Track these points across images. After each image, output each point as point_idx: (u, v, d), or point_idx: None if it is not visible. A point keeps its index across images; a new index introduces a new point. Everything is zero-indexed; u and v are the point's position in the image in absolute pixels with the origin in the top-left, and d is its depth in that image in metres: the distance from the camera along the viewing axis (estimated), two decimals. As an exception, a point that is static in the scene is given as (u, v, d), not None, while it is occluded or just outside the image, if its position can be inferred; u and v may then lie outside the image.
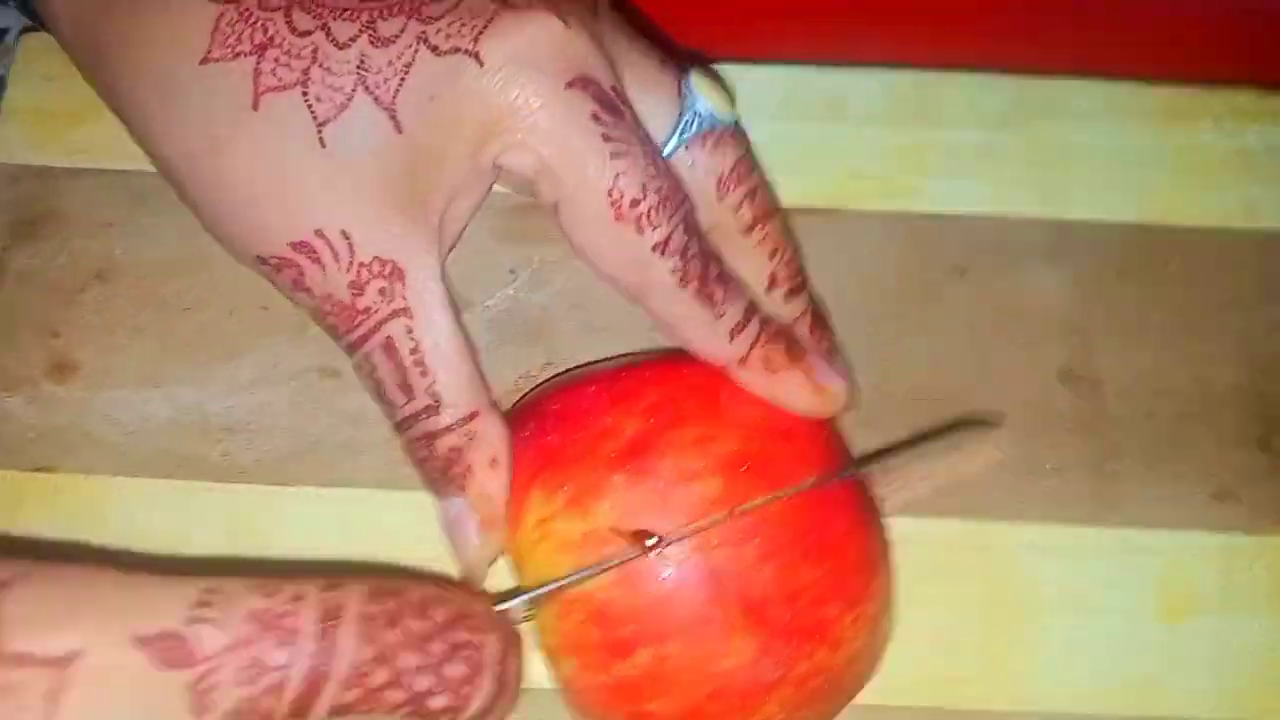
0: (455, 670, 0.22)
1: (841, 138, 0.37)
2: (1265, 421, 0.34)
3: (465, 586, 0.27)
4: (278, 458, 0.33)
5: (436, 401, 0.28)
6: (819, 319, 0.31)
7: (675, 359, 0.30)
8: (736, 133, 0.30)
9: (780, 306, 0.30)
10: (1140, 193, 0.37)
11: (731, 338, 0.28)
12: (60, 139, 0.36)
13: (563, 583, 0.27)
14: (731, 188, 0.30)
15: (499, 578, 0.30)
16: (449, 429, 0.28)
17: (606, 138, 0.27)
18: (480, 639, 0.23)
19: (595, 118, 0.27)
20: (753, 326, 0.29)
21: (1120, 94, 0.38)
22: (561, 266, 0.35)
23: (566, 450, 0.28)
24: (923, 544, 0.32)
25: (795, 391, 0.29)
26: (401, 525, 0.32)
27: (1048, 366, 0.35)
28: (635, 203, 0.27)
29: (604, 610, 0.26)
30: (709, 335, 0.28)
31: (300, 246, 0.27)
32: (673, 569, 0.26)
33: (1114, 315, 0.35)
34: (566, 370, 0.33)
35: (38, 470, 0.32)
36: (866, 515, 0.28)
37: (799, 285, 0.31)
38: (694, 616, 0.26)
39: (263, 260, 0.28)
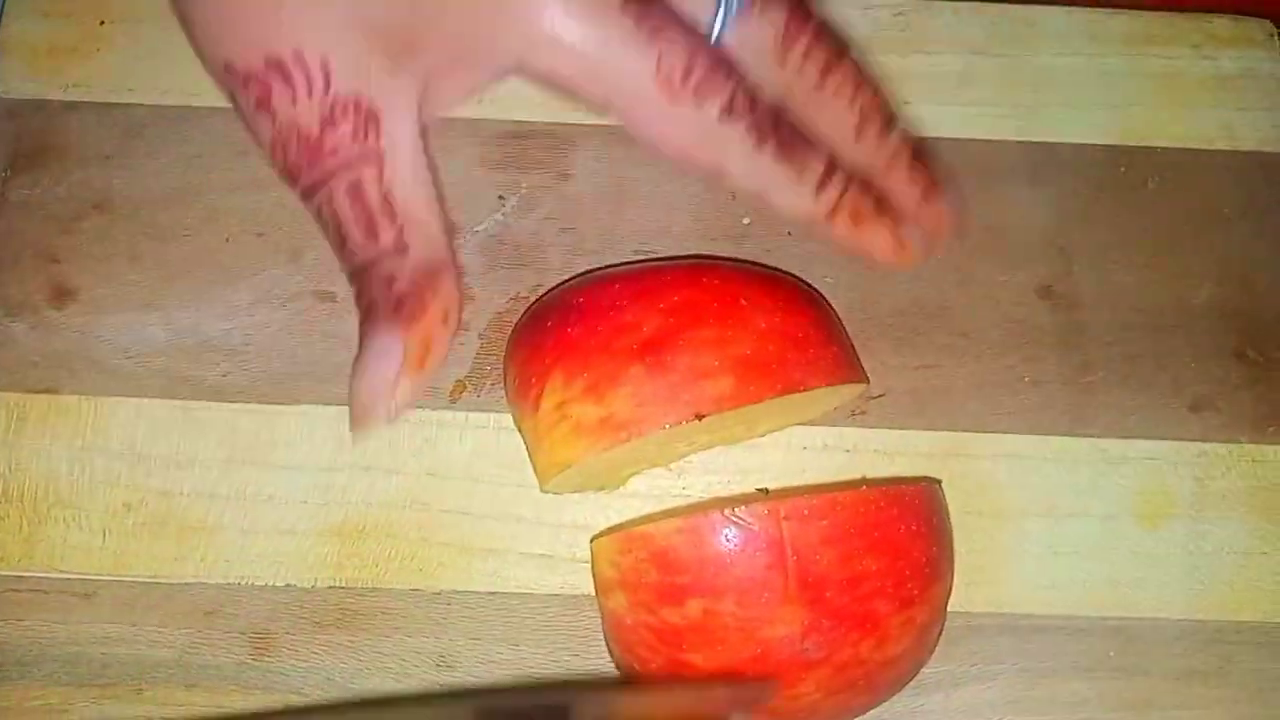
0: None
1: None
2: (1241, 334, 0.35)
3: None
4: (275, 378, 0.34)
5: (405, 246, 0.27)
6: (919, 152, 0.31)
7: (698, 265, 0.31)
8: None
9: (877, 148, 0.30)
10: (1119, 116, 0.37)
11: (817, 192, 0.29)
12: (56, 73, 0.37)
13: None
14: (789, 47, 0.29)
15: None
16: (412, 273, 0.27)
17: (640, 20, 0.27)
18: None
19: (623, 7, 0.27)
20: (837, 179, 0.29)
21: (1097, 21, 0.38)
22: (549, 191, 0.36)
23: (588, 340, 0.29)
24: (905, 455, 0.33)
25: (880, 243, 0.29)
26: (396, 440, 0.33)
27: (1027, 283, 0.35)
28: (687, 75, 0.27)
29: (665, 554, 0.27)
30: (796, 193, 0.28)
31: (275, 64, 0.26)
32: (739, 530, 0.27)
33: (1093, 233, 0.36)
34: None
35: (40, 392, 0.33)
36: (937, 525, 0.29)
37: (889, 120, 0.30)
38: (751, 579, 0.27)
39: (231, 70, 0.27)
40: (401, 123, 0.27)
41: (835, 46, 0.30)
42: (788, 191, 0.28)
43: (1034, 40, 0.38)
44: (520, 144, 0.36)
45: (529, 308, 0.33)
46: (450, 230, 0.29)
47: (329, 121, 0.26)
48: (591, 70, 0.27)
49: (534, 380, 0.29)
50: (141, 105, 0.36)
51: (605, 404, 0.28)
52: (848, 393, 0.31)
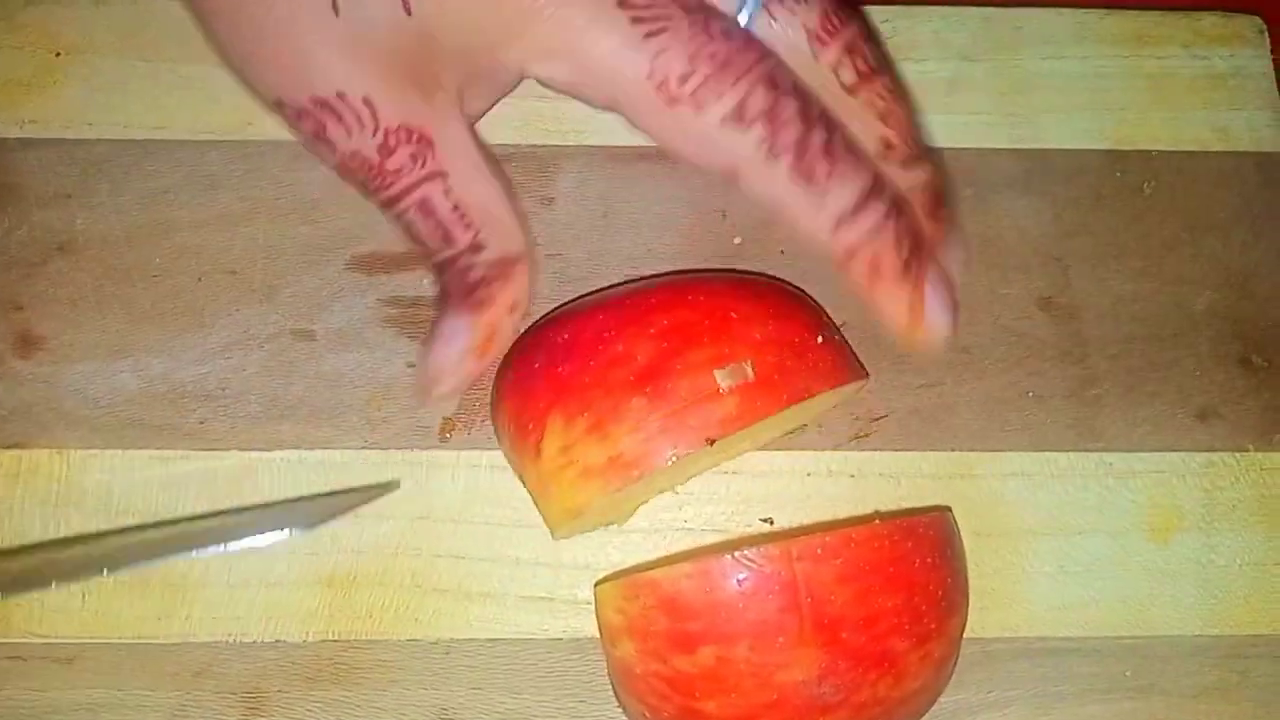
0: None
1: (811, 77, 0.36)
2: (1244, 340, 0.34)
3: None
4: (255, 423, 0.32)
5: (480, 245, 0.28)
6: (938, 197, 0.28)
7: (681, 283, 0.29)
8: None
9: (897, 177, 0.27)
10: (1112, 120, 0.36)
11: (835, 228, 0.25)
12: (10, 109, 0.35)
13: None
14: (825, 41, 0.26)
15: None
16: (490, 262, 0.28)
17: (637, 20, 0.25)
18: None
19: (621, 3, 0.25)
20: (867, 217, 0.25)
21: (1087, 22, 0.38)
22: (533, 216, 0.35)
23: (581, 377, 0.27)
24: (910, 478, 0.33)
25: (893, 310, 0.27)
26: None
27: (1026, 296, 0.35)
28: (684, 78, 0.25)
29: (674, 600, 0.26)
30: (810, 220, 0.25)
31: (321, 103, 0.27)
32: (750, 573, 0.26)
33: (1090, 242, 0.35)
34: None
35: (9, 447, 0.32)
36: (951, 556, 0.28)
37: (917, 153, 0.28)
38: (765, 623, 0.26)
39: (282, 106, 0.28)
40: (453, 136, 0.28)
41: (873, 61, 0.27)
42: (802, 215, 0.26)
43: (1022, 44, 0.37)
44: (507, 168, 0.35)
45: (511, 346, 0.31)
46: (524, 220, 0.29)
47: (386, 150, 0.27)
48: (585, 79, 0.26)
49: (531, 426, 0.28)
50: (102, 140, 0.35)
51: (611, 442, 0.27)
52: (851, 390, 0.30)
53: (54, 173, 0.35)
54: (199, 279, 0.34)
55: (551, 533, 0.29)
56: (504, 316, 0.28)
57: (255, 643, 0.31)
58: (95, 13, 0.36)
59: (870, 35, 0.27)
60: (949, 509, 0.31)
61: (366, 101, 0.27)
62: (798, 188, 0.25)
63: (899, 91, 0.28)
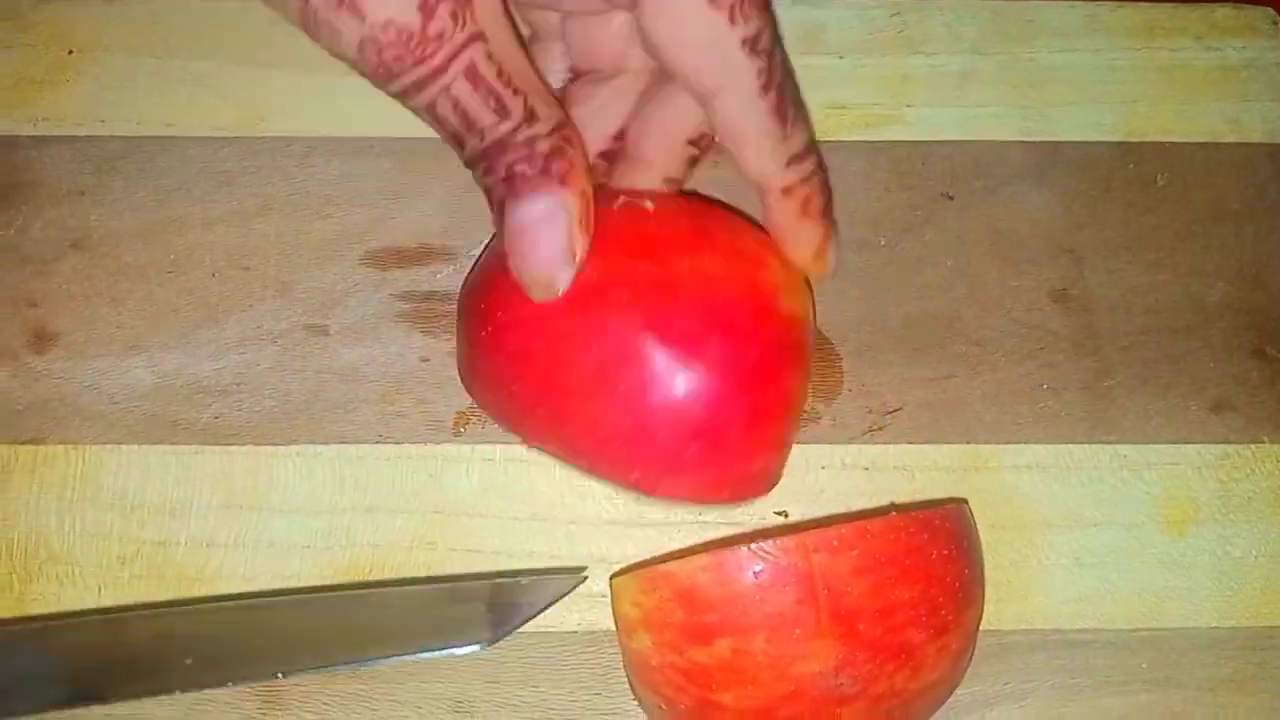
0: None
1: (821, 69, 0.36)
2: (1258, 331, 0.34)
3: None
4: (269, 418, 0.32)
5: (534, 113, 0.26)
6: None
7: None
8: None
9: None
10: (1124, 111, 0.36)
11: (788, 164, 0.28)
12: (24, 107, 0.35)
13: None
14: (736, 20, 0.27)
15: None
16: (550, 134, 0.26)
17: None
18: None
19: None
20: (810, 161, 0.28)
21: (1099, 14, 0.38)
22: (546, 212, 0.35)
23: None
24: (924, 470, 0.33)
25: (807, 242, 0.29)
26: (399, 478, 0.32)
27: (1039, 288, 0.34)
28: None
29: (691, 593, 0.26)
30: (768, 154, 0.28)
31: None
32: (767, 565, 0.26)
33: (1103, 234, 0.35)
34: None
35: (25, 443, 0.32)
36: (968, 548, 0.28)
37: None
38: (781, 615, 0.26)
39: None
40: None
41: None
42: (763, 149, 0.28)
43: (1033, 37, 0.37)
44: (513, 163, 0.35)
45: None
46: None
47: (427, 9, 0.25)
48: None
49: None
50: (115, 137, 0.35)
51: None
52: None
53: (67, 170, 0.35)
54: (213, 275, 0.34)
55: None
56: (589, 183, 0.27)
57: (271, 637, 0.31)
58: (107, 10, 0.36)
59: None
60: (965, 501, 0.31)
61: None
62: (772, 123, 0.27)
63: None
